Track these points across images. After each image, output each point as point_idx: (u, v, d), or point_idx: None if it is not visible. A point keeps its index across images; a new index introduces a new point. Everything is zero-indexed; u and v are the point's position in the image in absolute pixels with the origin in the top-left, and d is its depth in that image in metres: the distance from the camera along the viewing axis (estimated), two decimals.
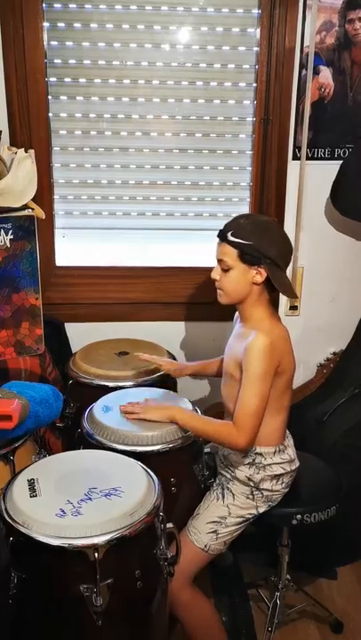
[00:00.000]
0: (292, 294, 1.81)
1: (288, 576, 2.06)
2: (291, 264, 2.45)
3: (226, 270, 1.75)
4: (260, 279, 1.72)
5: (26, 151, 2.06)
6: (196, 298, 2.50)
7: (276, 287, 1.73)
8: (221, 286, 1.78)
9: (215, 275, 1.78)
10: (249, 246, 1.70)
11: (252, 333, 1.71)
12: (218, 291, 1.80)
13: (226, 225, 1.76)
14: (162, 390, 2.00)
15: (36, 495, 1.43)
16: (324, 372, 2.58)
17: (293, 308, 2.55)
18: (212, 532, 1.76)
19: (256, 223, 1.76)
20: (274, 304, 2.37)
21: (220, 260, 1.76)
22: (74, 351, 2.39)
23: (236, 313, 1.88)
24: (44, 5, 2.22)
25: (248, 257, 1.71)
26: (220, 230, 1.76)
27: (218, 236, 1.77)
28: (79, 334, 2.47)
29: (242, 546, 1.91)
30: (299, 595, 2.13)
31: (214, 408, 2.49)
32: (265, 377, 1.67)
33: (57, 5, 2.25)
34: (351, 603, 2.21)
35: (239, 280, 1.74)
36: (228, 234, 1.73)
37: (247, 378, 1.68)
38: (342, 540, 2.28)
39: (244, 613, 2.15)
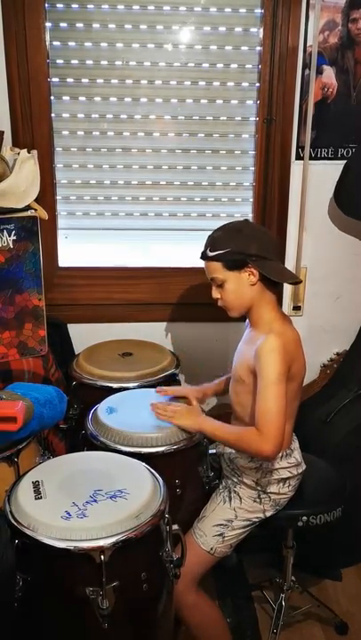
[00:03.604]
0: (292, 278, 1.79)
1: (293, 577, 2.05)
2: (294, 264, 2.48)
3: (221, 285, 1.75)
4: (254, 279, 1.72)
5: (28, 152, 2.05)
6: (198, 298, 2.48)
7: (274, 279, 1.72)
8: (225, 302, 1.78)
9: (215, 294, 1.78)
10: (229, 253, 1.71)
11: (263, 336, 1.69)
12: (225, 308, 1.80)
13: (204, 245, 1.77)
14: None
15: (41, 497, 1.42)
16: (328, 373, 2.58)
17: (297, 308, 2.54)
18: (219, 535, 1.75)
19: (227, 229, 1.76)
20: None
21: (212, 279, 1.77)
22: (77, 352, 2.39)
23: (247, 319, 1.86)
24: (46, 5, 2.22)
25: (233, 263, 1.71)
26: (202, 252, 1.77)
27: (200, 257, 1.78)
28: (82, 335, 2.46)
29: (246, 547, 1.90)
30: (303, 596, 2.13)
31: (218, 409, 2.48)
32: (280, 378, 1.64)
33: (59, 5, 2.25)
34: (356, 604, 2.21)
35: (237, 288, 1.73)
36: (208, 251, 1.74)
37: (263, 381, 1.64)
38: (346, 542, 2.28)
39: (248, 615, 2.15)
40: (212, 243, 1.74)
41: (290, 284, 1.78)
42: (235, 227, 1.78)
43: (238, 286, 1.73)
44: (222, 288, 1.75)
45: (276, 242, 1.79)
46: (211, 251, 1.73)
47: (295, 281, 1.83)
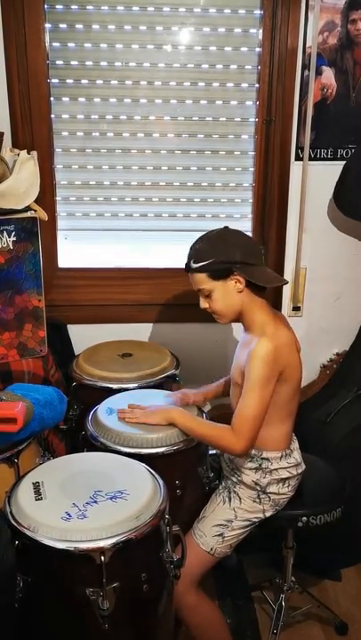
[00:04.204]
0: (277, 282, 1.79)
1: (293, 578, 2.06)
2: (293, 264, 2.48)
3: (209, 296, 1.75)
4: (241, 286, 1.72)
5: (28, 153, 2.05)
6: (198, 299, 2.49)
7: (261, 284, 1.71)
8: (214, 311, 1.78)
9: (203, 304, 1.78)
10: (213, 263, 1.70)
11: (256, 339, 1.70)
12: (214, 316, 1.80)
13: (187, 257, 1.76)
14: (167, 392, 1.99)
15: (41, 498, 1.42)
16: (328, 373, 2.58)
17: (296, 308, 2.54)
18: (219, 535, 1.75)
19: (209, 239, 1.75)
20: (277, 306, 2.39)
21: (199, 290, 1.77)
22: (76, 353, 2.39)
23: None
24: (45, 6, 2.22)
25: (218, 272, 1.71)
26: (185, 264, 1.76)
27: (185, 270, 1.77)
28: (82, 336, 2.46)
29: (246, 547, 1.90)
30: (303, 596, 2.13)
31: (218, 409, 2.48)
32: (266, 383, 1.66)
33: (59, 6, 2.25)
34: (356, 604, 2.21)
35: (225, 297, 1.73)
36: (192, 263, 1.74)
37: (248, 383, 1.67)
38: (346, 542, 2.28)
39: (248, 615, 2.15)
40: (196, 254, 1.73)
41: (275, 286, 1.79)
42: (216, 235, 1.77)
43: (226, 295, 1.73)
44: (210, 298, 1.75)
45: (259, 247, 1.80)
46: (195, 262, 1.72)
47: (282, 283, 1.83)
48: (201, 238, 1.78)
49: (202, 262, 1.71)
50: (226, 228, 1.81)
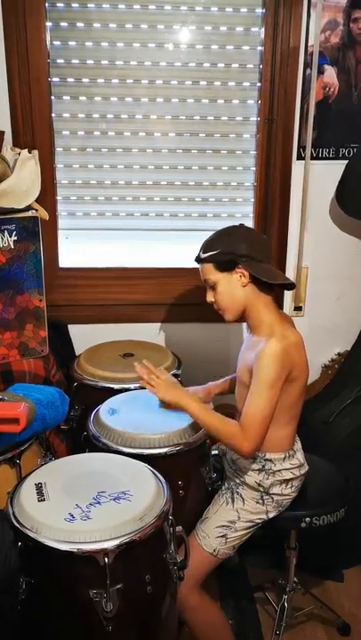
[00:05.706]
0: (281, 279, 1.79)
1: (295, 578, 2.05)
2: (295, 263, 2.48)
3: (214, 288, 1.76)
4: (245, 280, 1.72)
5: (29, 152, 2.04)
6: (199, 299, 2.45)
7: (264, 279, 1.71)
8: (219, 305, 1.79)
9: (209, 297, 1.80)
10: (219, 254, 1.73)
11: (264, 340, 1.68)
12: (220, 312, 1.81)
13: (199, 249, 1.79)
14: None
15: (44, 499, 1.41)
16: (329, 373, 2.58)
17: (298, 308, 2.54)
18: (222, 537, 1.74)
19: (219, 233, 1.80)
20: (278, 306, 2.37)
21: (205, 281, 1.79)
22: (77, 353, 2.38)
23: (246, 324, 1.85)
24: (46, 5, 2.21)
25: (223, 264, 1.73)
26: (196, 256, 1.79)
27: (195, 260, 1.80)
28: (83, 336, 2.45)
29: (248, 548, 1.89)
30: (306, 597, 2.12)
31: (221, 409, 2.47)
32: (275, 384, 1.65)
33: (60, 5, 2.24)
34: (358, 605, 2.20)
35: (228, 290, 1.74)
36: (201, 253, 1.77)
37: (256, 383, 1.65)
38: (348, 542, 2.27)
39: (250, 616, 2.14)
40: (205, 246, 1.78)
41: (282, 286, 1.79)
42: (226, 230, 1.81)
43: (230, 288, 1.74)
44: (215, 290, 1.77)
45: (268, 245, 1.83)
46: (204, 253, 1.76)
47: (288, 283, 1.81)
48: (212, 233, 1.81)
49: (209, 252, 1.74)
50: (240, 224, 1.84)
